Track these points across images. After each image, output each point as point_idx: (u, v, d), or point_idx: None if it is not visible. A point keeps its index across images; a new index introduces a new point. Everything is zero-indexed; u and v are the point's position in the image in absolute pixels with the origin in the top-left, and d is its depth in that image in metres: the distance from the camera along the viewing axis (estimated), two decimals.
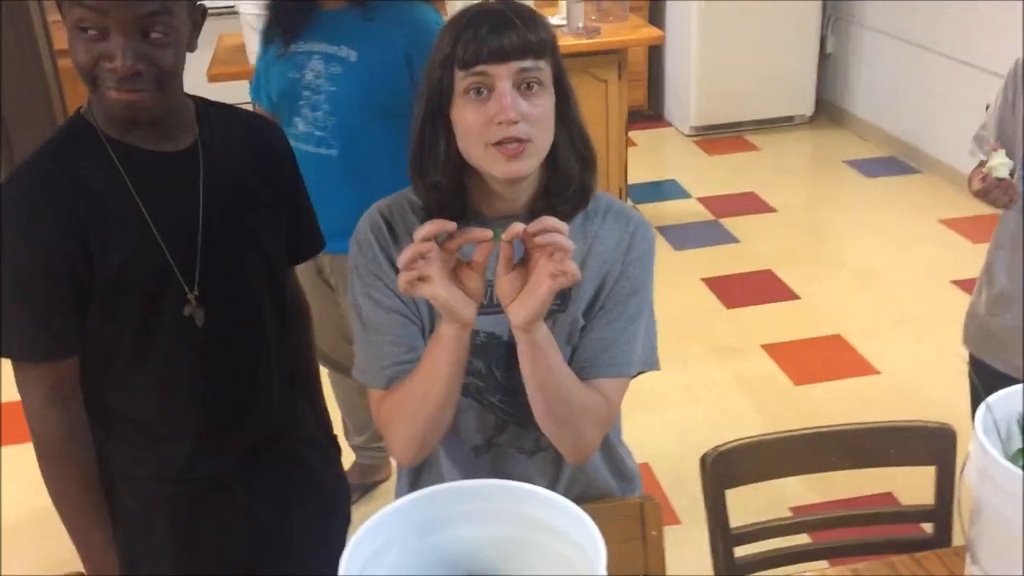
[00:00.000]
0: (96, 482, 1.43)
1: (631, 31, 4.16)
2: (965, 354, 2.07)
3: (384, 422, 1.33)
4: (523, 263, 1.20)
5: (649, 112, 6.04)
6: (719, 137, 5.68)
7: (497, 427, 1.39)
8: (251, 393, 1.51)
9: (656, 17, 5.61)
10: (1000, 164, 1.78)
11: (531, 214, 1.30)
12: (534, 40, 1.21)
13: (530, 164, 1.24)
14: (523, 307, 1.19)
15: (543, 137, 1.24)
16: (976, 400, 2.04)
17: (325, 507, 1.66)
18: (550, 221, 1.16)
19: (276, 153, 1.54)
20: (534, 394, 1.28)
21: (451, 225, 1.16)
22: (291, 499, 1.59)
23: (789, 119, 5.79)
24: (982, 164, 1.91)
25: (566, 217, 1.31)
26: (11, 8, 3.32)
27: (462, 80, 1.21)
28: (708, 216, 4.69)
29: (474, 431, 1.39)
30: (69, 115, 1.40)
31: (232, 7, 4.21)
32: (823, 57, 5.78)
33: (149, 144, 1.36)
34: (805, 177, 5.40)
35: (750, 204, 4.79)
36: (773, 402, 3.25)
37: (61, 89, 3.48)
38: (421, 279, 1.16)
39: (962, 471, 1.26)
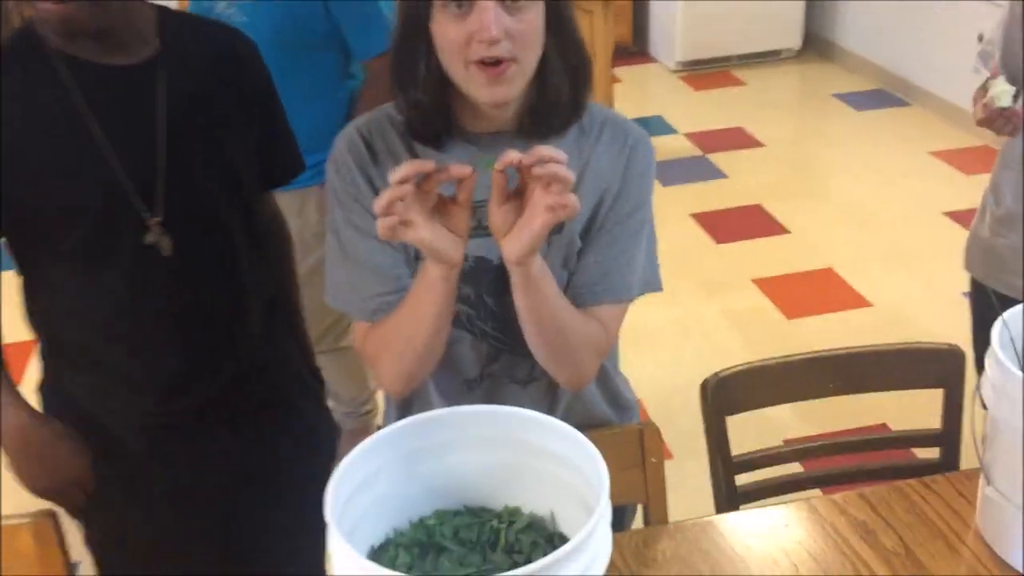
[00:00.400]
0: None
1: None
2: (965, 283, 2.01)
3: (369, 356, 1.26)
4: (517, 193, 1.11)
5: (634, 48, 5.91)
6: (705, 72, 5.57)
7: (490, 356, 1.32)
8: (226, 326, 1.43)
9: None
10: (1002, 92, 1.70)
11: (520, 130, 1.22)
12: None
13: (515, 87, 1.15)
14: (518, 241, 1.11)
15: (529, 54, 1.14)
16: (979, 326, 2.01)
17: (310, 443, 1.59)
18: (546, 151, 1.06)
19: (247, 66, 1.43)
20: (529, 327, 1.21)
21: (428, 164, 1.06)
22: (274, 435, 1.52)
23: (776, 53, 5.69)
24: (985, 87, 1.84)
25: (558, 132, 1.23)
26: None
27: None
28: (695, 152, 4.60)
29: (466, 363, 1.32)
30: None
31: None
32: None
33: (101, 56, 1.26)
34: (793, 111, 5.31)
35: (737, 139, 4.71)
36: (764, 336, 3.21)
37: None
38: (403, 223, 1.07)
39: (976, 391, 1.22)
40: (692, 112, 5.05)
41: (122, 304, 1.34)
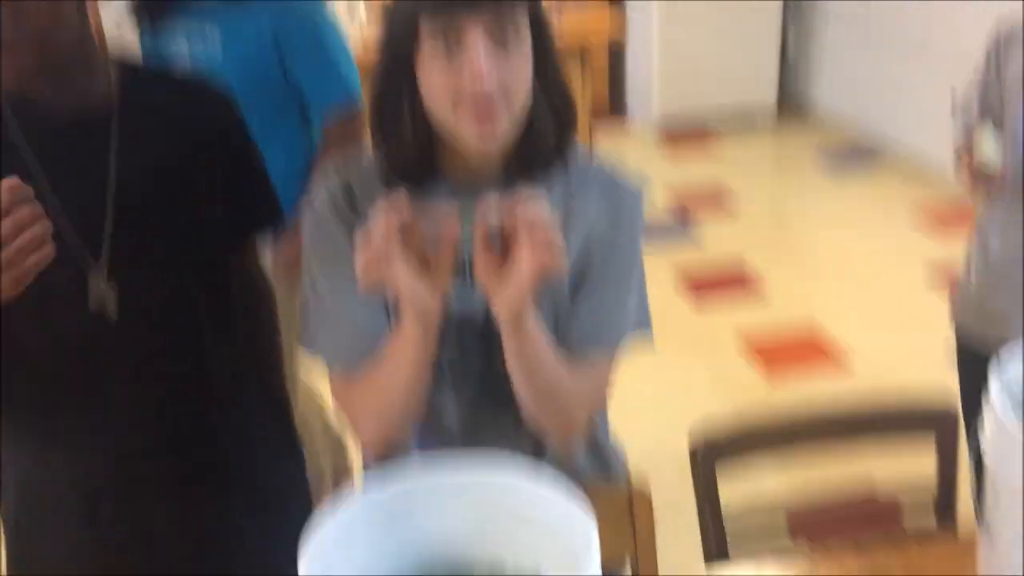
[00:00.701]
0: None
1: (595, 23, 4.09)
2: (952, 338, 1.99)
3: (345, 409, 1.23)
4: (503, 246, 1.07)
5: (611, 110, 5.96)
6: (682, 131, 5.61)
7: (474, 411, 1.27)
8: (182, 390, 1.36)
9: (617, 13, 5.54)
10: (986, 151, 1.72)
11: (505, 176, 1.19)
12: None
13: (502, 128, 1.12)
14: (506, 301, 1.07)
15: (518, 94, 1.12)
16: (966, 382, 1.98)
17: (274, 512, 1.48)
18: (526, 195, 1.04)
19: (217, 120, 1.37)
20: (519, 382, 1.16)
21: (406, 208, 1.02)
22: (229, 505, 1.43)
23: (751, 112, 5.75)
24: (966, 137, 1.84)
25: (543, 177, 1.20)
26: None
27: (428, 27, 1.08)
28: (674, 211, 4.61)
29: (449, 417, 1.28)
30: None
31: None
32: (784, 48, 5.75)
33: (53, 99, 1.21)
34: (770, 169, 5.35)
35: (716, 197, 4.72)
36: (748, 396, 3.17)
37: None
38: (385, 263, 1.03)
39: (977, 450, 1.17)
40: (669, 173, 5.08)
41: (69, 360, 1.28)
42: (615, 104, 5.98)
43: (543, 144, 1.18)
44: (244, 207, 1.43)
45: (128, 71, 1.30)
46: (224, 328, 1.40)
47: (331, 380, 1.24)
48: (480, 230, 1.06)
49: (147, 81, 1.32)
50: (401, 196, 1.04)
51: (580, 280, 1.23)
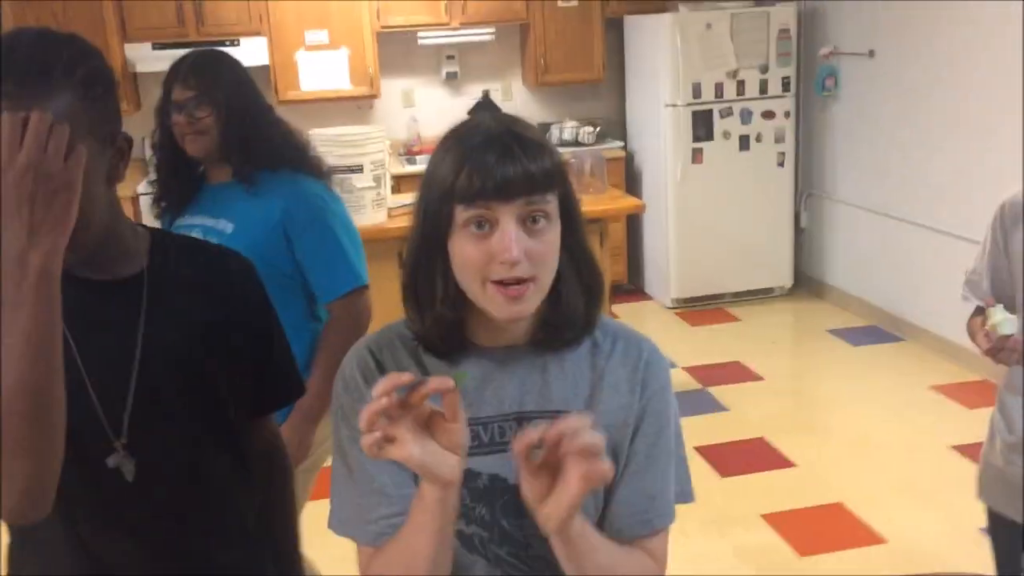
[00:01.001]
0: None
1: (612, 201, 4.23)
2: (981, 516, 1.95)
3: None
4: (544, 460, 1.06)
5: (629, 286, 6.08)
6: (700, 309, 5.69)
7: None
8: (199, 567, 1.33)
9: (633, 193, 5.74)
10: (1003, 321, 1.72)
11: (533, 344, 1.22)
12: (540, 173, 1.11)
13: (531, 305, 1.15)
14: (555, 511, 1.05)
15: (546, 274, 1.15)
16: (1002, 558, 1.92)
17: None
18: (573, 422, 1.03)
19: (241, 294, 1.39)
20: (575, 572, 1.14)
21: (406, 377, 1.02)
22: None
23: (768, 291, 5.84)
24: (979, 313, 1.87)
25: (570, 346, 1.23)
26: None
27: (462, 213, 1.12)
28: (695, 385, 4.61)
29: None
30: None
31: None
32: (798, 231, 5.90)
33: (86, 273, 1.24)
34: (789, 346, 5.38)
35: (736, 373, 4.73)
36: (778, 574, 3.07)
37: None
38: (387, 440, 1.02)
39: None
40: (689, 347, 5.11)
41: (87, 525, 1.26)
42: (632, 280, 6.10)
43: (573, 316, 1.21)
44: (269, 381, 1.45)
45: (156, 236, 1.34)
46: (239, 499, 1.39)
47: (360, 558, 1.20)
48: (521, 455, 1.05)
49: (176, 248, 1.36)
50: (402, 373, 1.03)
51: (620, 458, 1.22)
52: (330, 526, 1.22)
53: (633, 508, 1.22)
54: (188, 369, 1.29)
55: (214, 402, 1.33)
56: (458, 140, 1.15)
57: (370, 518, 1.18)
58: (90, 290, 1.24)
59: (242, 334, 1.37)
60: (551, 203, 1.14)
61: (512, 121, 1.16)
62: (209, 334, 1.32)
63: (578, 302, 1.21)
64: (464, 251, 1.13)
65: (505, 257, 1.10)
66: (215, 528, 1.35)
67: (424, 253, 1.18)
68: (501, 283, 1.12)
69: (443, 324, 1.18)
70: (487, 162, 1.10)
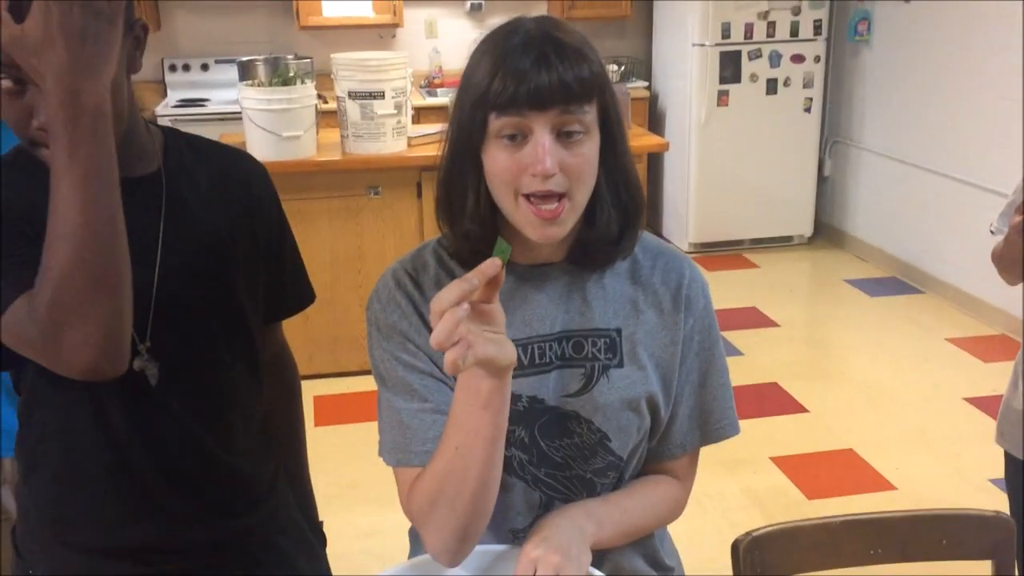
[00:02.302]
0: None
1: (634, 139, 4.17)
2: (992, 468, 1.93)
3: (419, 512, 1.12)
4: None
5: (647, 229, 6.02)
6: (718, 254, 5.65)
7: (542, 506, 1.22)
8: (216, 467, 1.32)
9: (655, 134, 5.66)
10: None
11: (568, 262, 1.19)
12: (576, 82, 1.06)
13: (566, 227, 1.11)
14: None
15: (581, 190, 1.10)
16: (1017, 501, 1.91)
17: None
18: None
19: (254, 192, 1.36)
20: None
21: (475, 283, 0.96)
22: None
23: (788, 239, 5.79)
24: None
25: (604, 266, 1.20)
26: None
27: (495, 122, 1.07)
28: None
29: (516, 512, 1.22)
30: None
31: (236, 112, 4.21)
32: (821, 179, 5.82)
33: None
34: (806, 294, 5.34)
35: (752, 318, 4.70)
36: (785, 516, 3.06)
37: None
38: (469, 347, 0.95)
39: None
40: None
41: (104, 436, 1.24)
42: (650, 223, 6.05)
43: (607, 237, 1.16)
44: (281, 289, 1.43)
45: (169, 135, 1.31)
46: (255, 404, 1.38)
47: (404, 482, 1.16)
48: None
49: (190, 146, 1.32)
50: (462, 280, 0.97)
51: (667, 372, 1.22)
52: (380, 454, 1.18)
53: (698, 421, 1.24)
54: (208, 272, 1.27)
55: (232, 306, 1.31)
56: (495, 43, 1.10)
57: (424, 438, 1.13)
58: None
59: (258, 238, 1.35)
60: (588, 114, 1.09)
61: (554, 25, 1.11)
62: (227, 237, 1.29)
63: (613, 223, 1.16)
64: (496, 162, 1.09)
65: (537, 169, 1.06)
66: (229, 433, 1.34)
67: (457, 164, 1.14)
68: (534, 199, 1.08)
69: (474, 238, 1.14)
70: (522, 68, 1.05)
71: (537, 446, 1.19)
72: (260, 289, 1.37)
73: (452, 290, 0.94)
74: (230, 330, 1.32)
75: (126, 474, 1.26)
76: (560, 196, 1.08)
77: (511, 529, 1.23)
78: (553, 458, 1.19)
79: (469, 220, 1.13)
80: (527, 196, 1.08)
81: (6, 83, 1.08)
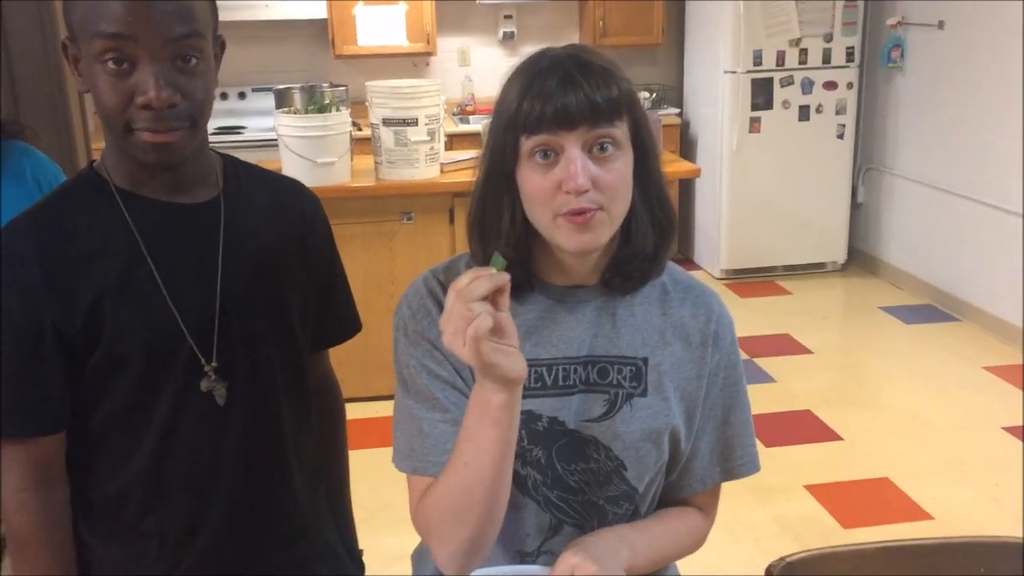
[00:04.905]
0: None
1: (666, 165, 4.17)
2: None
3: (427, 523, 1.14)
4: None
5: (678, 255, 6.02)
6: (750, 281, 5.62)
7: (552, 529, 1.22)
8: (269, 488, 1.33)
9: (687, 161, 5.66)
10: None
11: (601, 284, 1.20)
12: (604, 100, 1.08)
13: (602, 235, 1.12)
14: None
15: (617, 204, 1.11)
16: None
17: None
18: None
19: (308, 220, 1.39)
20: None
21: (505, 277, 1.00)
22: None
23: (821, 266, 5.75)
24: None
25: (637, 287, 1.21)
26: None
27: (526, 143, 1.09)
28: (742, 355, 4.55)
29: (526, 534, 1.22)
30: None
31: (272, 139, 4.26)
32: (855, 206, 5.78)
33: (165, 196, 1.24)
34: (839, 321, 5.29)
35: (785, 345, 4.67)
36: (819, 545, 3.02)
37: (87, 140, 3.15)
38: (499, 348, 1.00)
39: None
40: (738, 317, 4.94)
41: (168, 451, 1.25)
42: (681, 249, 6.04)
43: (642, 255, 1.17)
44: (329, 316, 1.44)
45: (228, 162, 1.35)
46: (302, 429, 1.39)
47: (412, 492, 1.18)
48: None
49: (246, 173, 1.36)
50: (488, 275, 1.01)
51: (691, 406, 1.23)
52: (393, 460, 1.20)
53: (719, 457, 1.24)
54: (266, 294, 1.30)
55: (287, 330, 1.33)
56: (524, 69, 1.13)
57: (441, 448, 1.15)
58: (171, 213, 1.24)
59: (310, 264, 1.38)
60: (619, 130, 1.10)
61: (581, 49, 1.13)
62: (282, 263, 1.32)
63: (648, 241, 1.17)
64: (531, 182, 1.10)
65: (571, 185, 1.07)
66: (284, 458, 1.35)
67: (491, 186, 1.15)
68: (569, 214, 1.09)
69: (509, 260, 1.15)
70: (548, 88, 1.08)
71: (553, 468, 1.19)
72: (311, 315, 1.39)
73: (480, 284, 0.99)
74: (283, 354, 1.33)
75: (189, 492, 1.28)
76: (594, 209, 1.09)
77: (519, 551, 1.23)
78: (567, 481, 1.20)
79: (504, 242, 1.14)
80: (564, 215, 1.09)
81: (111, 66, 1.11)
